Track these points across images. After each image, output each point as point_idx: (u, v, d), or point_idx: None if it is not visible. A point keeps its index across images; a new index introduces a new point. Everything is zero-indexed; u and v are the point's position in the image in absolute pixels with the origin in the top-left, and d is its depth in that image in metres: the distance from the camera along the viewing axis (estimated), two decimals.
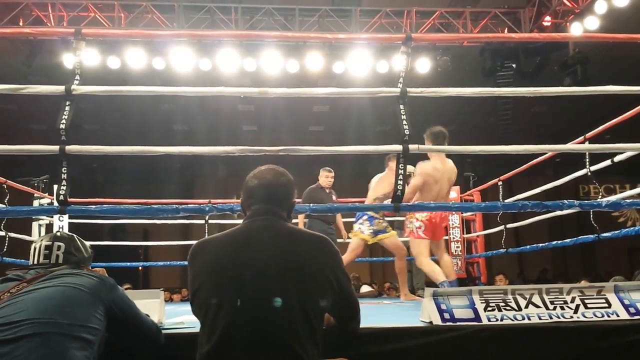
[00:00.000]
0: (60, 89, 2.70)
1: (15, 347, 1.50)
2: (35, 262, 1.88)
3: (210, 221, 6.19)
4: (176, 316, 2.78)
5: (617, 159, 4.30)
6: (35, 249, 1.91)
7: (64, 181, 2.54)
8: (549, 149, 4.06)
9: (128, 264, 6.85)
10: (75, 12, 8.64)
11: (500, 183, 6.09)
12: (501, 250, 6.01)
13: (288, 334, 1.61)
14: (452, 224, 6.67)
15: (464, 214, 6.69)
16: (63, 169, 2.56)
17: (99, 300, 1.71)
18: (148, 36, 8.75)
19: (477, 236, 6.78)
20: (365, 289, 7.51)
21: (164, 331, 2.03)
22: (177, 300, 8.91)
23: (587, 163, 4.59)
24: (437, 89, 3.06)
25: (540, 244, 5.43)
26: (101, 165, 14.38)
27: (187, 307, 1.83)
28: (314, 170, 6.30)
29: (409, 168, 4.38)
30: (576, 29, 8.35)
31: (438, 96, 3.05)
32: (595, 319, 2.21)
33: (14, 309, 1.59)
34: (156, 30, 8.51)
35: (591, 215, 4.49)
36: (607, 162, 4.48)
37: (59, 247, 1.90)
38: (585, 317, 2.21)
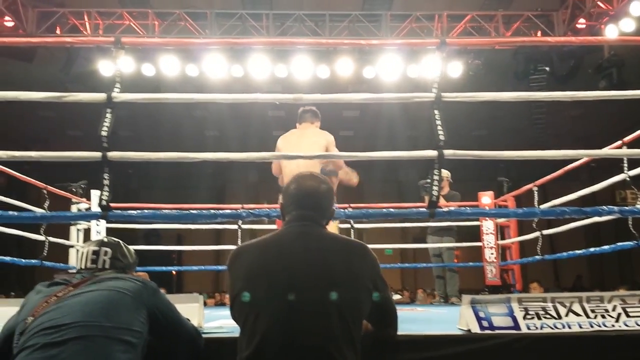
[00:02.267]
0: (102, 96, 2.73)
1: (62, 350, 1.55)
2: (82, 266, 1.93)
3: (242, 226, 6.22)
4: (212, 320, 2.81)
5: None
6: (82, 254, 1.95)
7: (105, 187, 2.59)
8: (587, 154, 3.97)
9: (163, 268, 6.93)
10: (111, 20, 8.83)
11: (535, 189, 5.98)
12: (537, 257, 5.90)
13: (326, 340, 1.62)
14: (486, 231, 6.57)
15: (498, 220, 6.58)
16: (105, 175, 2.61)
17: (142, 304, 1.74)
18: (184, 44, 8.88)
19: (512, 243, 6.67)
20: (394, 297, 7.49)
21: (203, 335, 2.06)
22: (210, 305, 8.98)
23: (626, 168, 4.49)
24: (472, 93, 3.02)
25: (577, 251, 5.31)
26: (135, 171, 14.61)
27: (222, 311, 1.86)
28: None
29: (444, 172, 4.32)
30: (611, 32, 8.17)
31: (473, 101, 3.02)
32: (637, 327, 2.16)
33: (60, 312, 1.64)
34: (189, 37, 8.64)
35: (630, 222, 4.38)
36: None
37: (106, 253, 1.94)
38: (627, 325, 2.17)
